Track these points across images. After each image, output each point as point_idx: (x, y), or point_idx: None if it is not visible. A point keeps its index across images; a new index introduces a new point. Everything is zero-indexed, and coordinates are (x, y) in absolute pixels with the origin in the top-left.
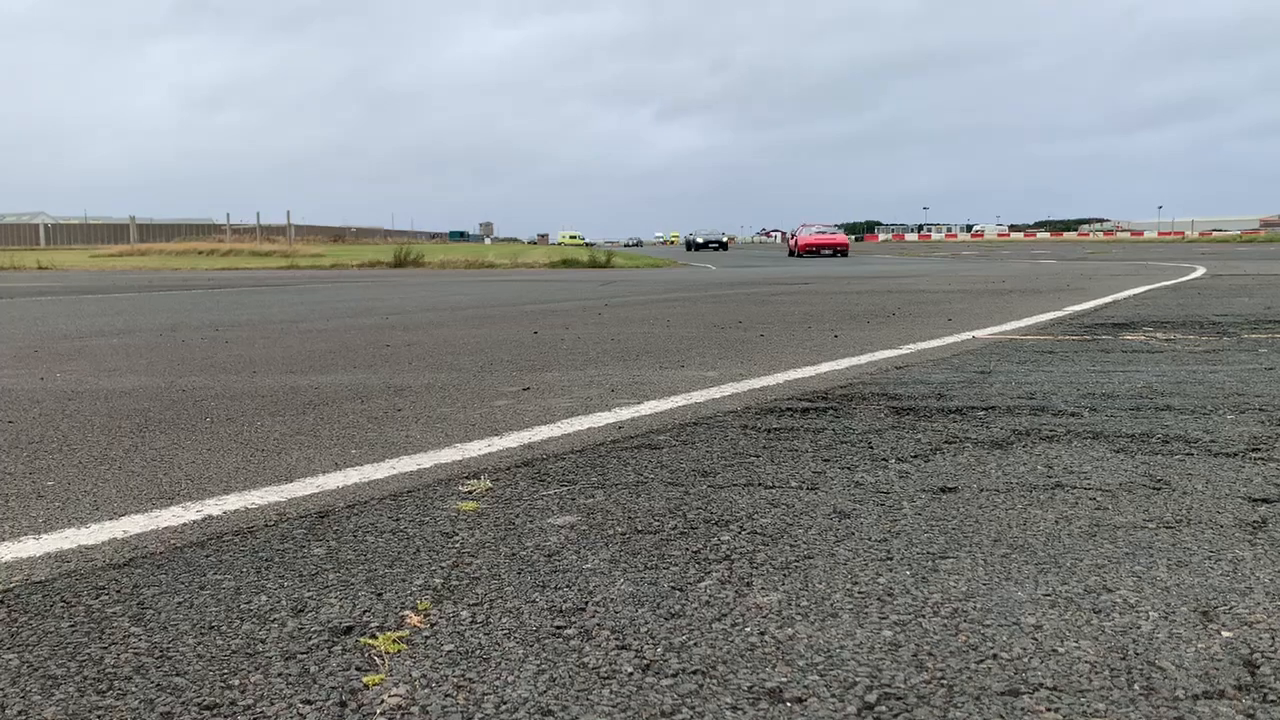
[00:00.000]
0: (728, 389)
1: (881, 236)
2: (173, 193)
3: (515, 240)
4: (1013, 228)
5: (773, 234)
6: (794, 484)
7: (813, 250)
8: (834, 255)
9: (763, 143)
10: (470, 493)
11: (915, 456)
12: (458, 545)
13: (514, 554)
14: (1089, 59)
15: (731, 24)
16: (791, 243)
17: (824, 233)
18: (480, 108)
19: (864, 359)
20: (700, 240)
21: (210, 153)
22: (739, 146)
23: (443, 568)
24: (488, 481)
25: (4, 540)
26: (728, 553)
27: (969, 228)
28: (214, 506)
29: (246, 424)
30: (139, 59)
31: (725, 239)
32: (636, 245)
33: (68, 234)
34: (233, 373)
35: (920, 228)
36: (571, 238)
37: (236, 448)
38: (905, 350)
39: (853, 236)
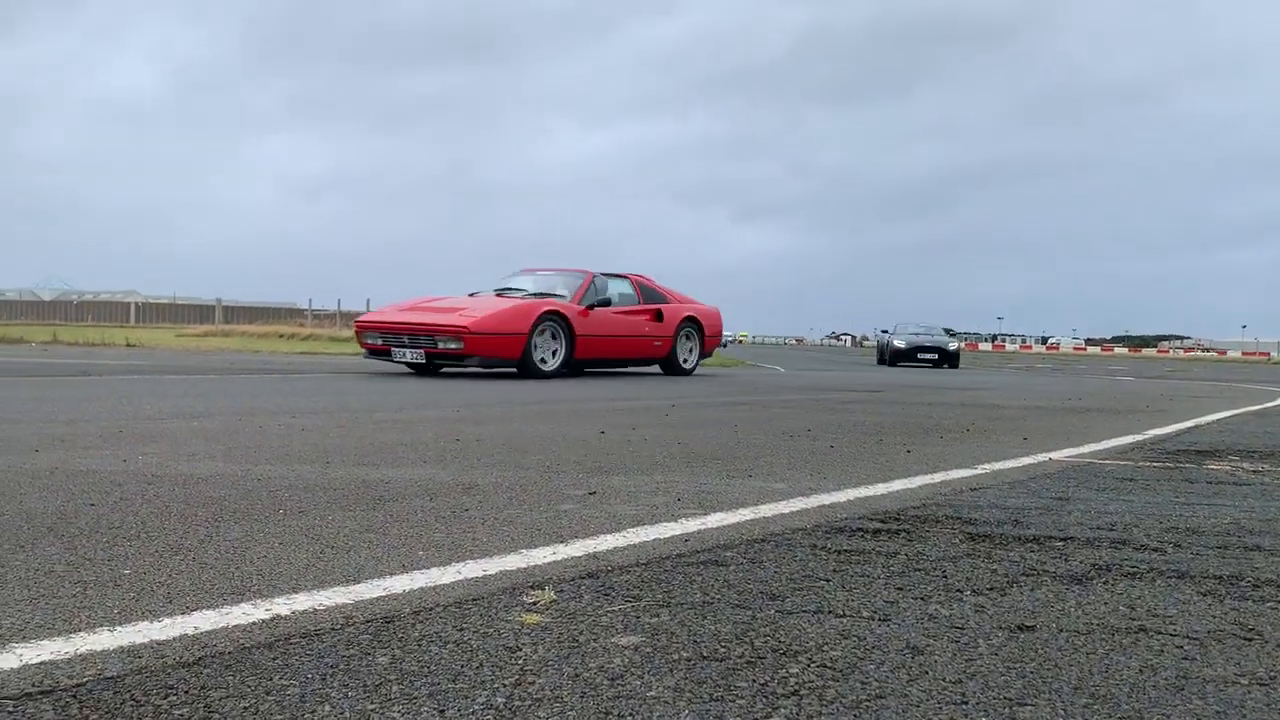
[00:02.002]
0: (796, 504)
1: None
2: (260, 277)
3: None
4: (1089, 341)
5: (843, 337)
6: (865, 614)
7: (910, 354)
8: (935, 363)
9: (837, 246)
10: (534, 604)
11: (991, 589)
12: (521, 662)
13: (577, 675)
14: (1172, 173)
15: (813, 132)
16: (884, 344)
17: (921, 335)
18: (562, 205)
19: (937, 478)
20: (905, 344)
21: (302, 241)
22: (813, 249)
23: (505, 685)
24: (552, 593)
25: (80, 630)
26: (796, 687)
27: (1044, 339)
28: (283, 605)
29: (318, 518)
30: (251, 151)
31: (953, 347)
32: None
33: (157, 313)
34: (307, 462)
35: (994, 337)
36: None
37: (307, 543)
38: (980, 470)
39: None
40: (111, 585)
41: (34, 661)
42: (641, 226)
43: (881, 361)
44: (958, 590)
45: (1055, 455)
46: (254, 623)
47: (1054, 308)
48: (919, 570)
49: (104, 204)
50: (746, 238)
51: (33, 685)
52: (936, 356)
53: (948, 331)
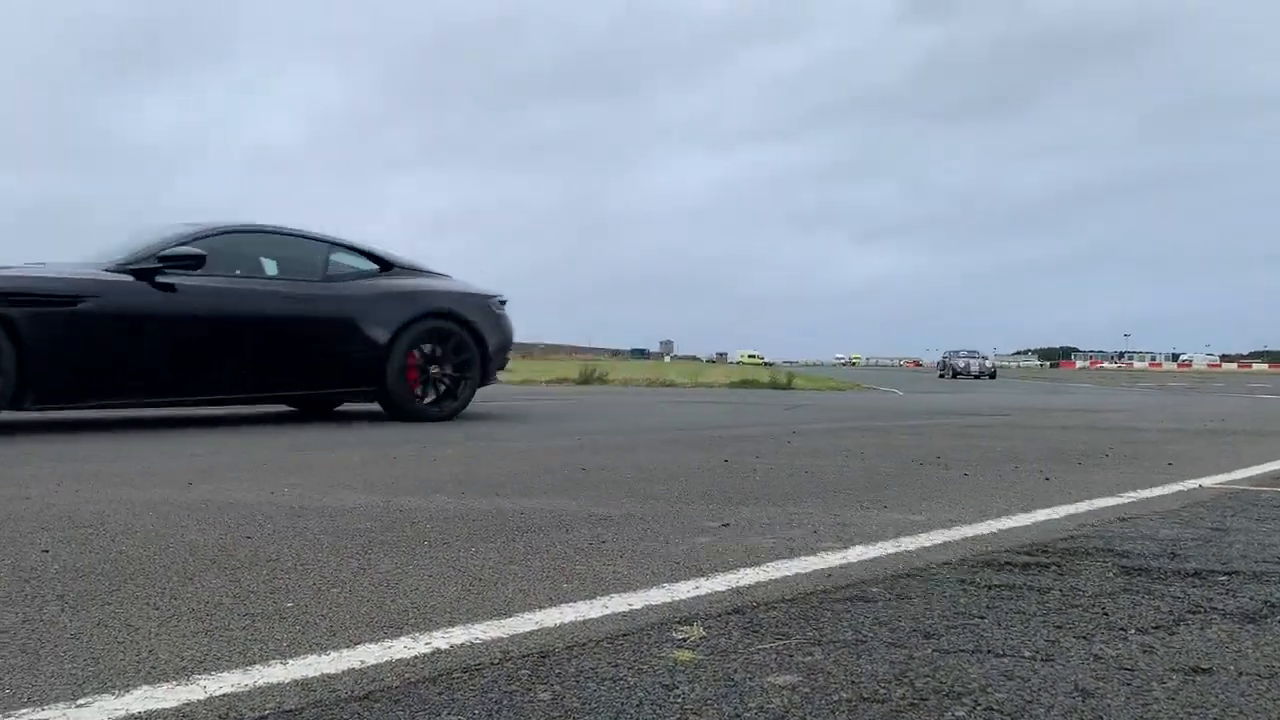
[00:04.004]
0: (938, 536)
1: (1078, 364)
2: None
3: (694, 358)
4: (1224, 358)
5: None
6: (1026, 653)
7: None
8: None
9: (956, 266)
10: (685, 640)
11: (1157, 628)
12: (680, 700)
13: (737, 714)
14: None
15: (934, 152)
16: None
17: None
18: (678, 232)
19: (1081, 507)
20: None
21: None
22: (931, 270)
23: None
24: (701, 629)
25: (255, 663)
26: None
27: (1175, 357)
28: (441, 639)
29: (461, 549)
30: (384, 189)
31: (992, 367)
32: (849, 365)
33: None
34: (443, 493)
35: (1121, 355)
36: (750, 357)
37: (455, 575)
38: (1126, 499)
39: (1047, 363)
40: (277, 618)
41: (217, 694)
42: (761, 251)
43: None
44: (1121, 629)
45: (1205, 482)
46: (416, 656)
47: (1185, 323)
48: (1076, 607)
49: None
50: (864, 260)
51: (218, 718)
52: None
53: (1037, 353)
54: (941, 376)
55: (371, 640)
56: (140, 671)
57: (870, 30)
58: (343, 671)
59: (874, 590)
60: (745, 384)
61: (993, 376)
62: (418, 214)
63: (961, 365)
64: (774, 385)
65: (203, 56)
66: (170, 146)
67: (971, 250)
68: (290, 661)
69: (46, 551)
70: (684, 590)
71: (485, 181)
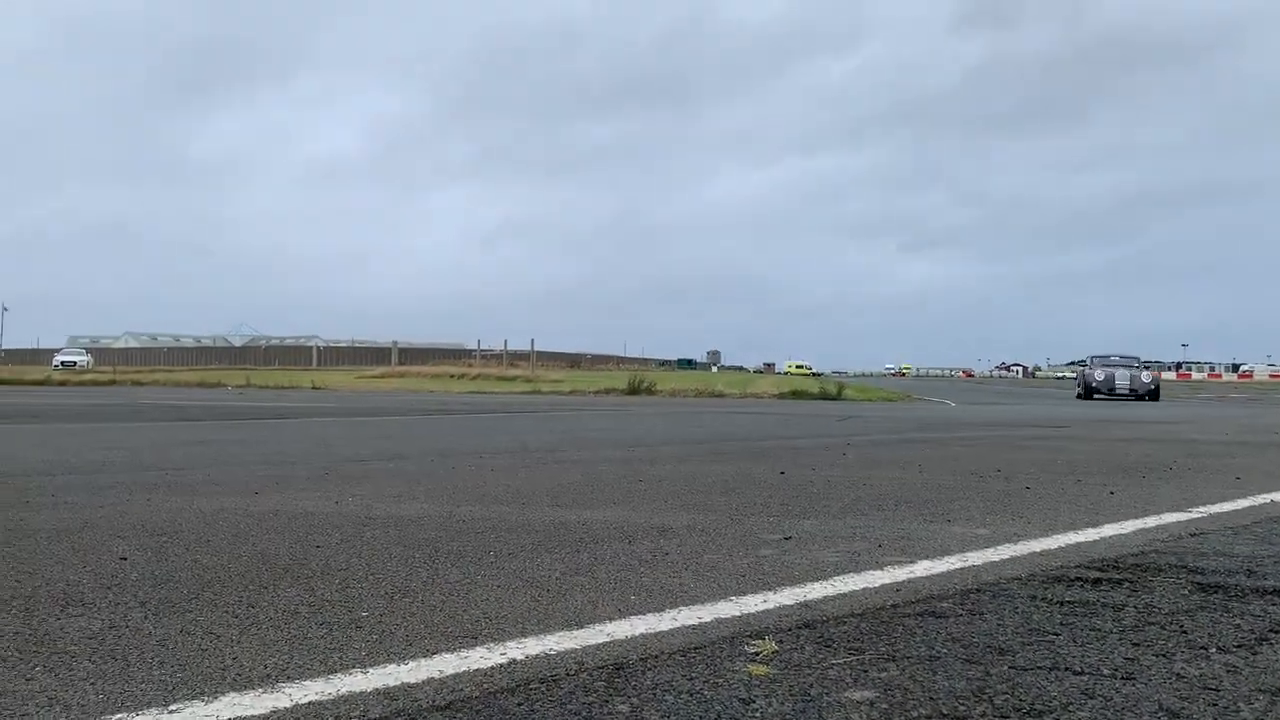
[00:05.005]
0: (1005, 550)
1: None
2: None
3: (741, 369)
4: None
5: (1013, 368)
6: (1105, 671)
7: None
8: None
9: (1008, 276)
10: (758, 654)
11: (1239, 646)
12: (758, 714)
13: None
14: None
15: (986, 160)
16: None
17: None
18: (725, 243)
19: (1149, 522)
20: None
21: (475, 285)
22: (981, 279)
23: None
24: (773, 643)
25: (336, 672)
26: None
27: (1235, 367)
28: (515, 649)
29: (527, 560)
30: (435, 203)
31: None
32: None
33: (336, 355)
34: (503, 503)
35: (1178, 366)
36: (798, 367)
37: (523, 586)
38: (1195, 514)
39: None
40: (354, 627)
41: (303, 701)
42: (809, 261)
43: (1089, 397)
44: (1201, 647)
45: (1277, 497)
46: (493, 666)
47: (1245, 333)
48: (1153, 624)
49: (296, 256)
50: (914, 269)
51: None
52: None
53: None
54: (1080, 397)
55: (448, 650)
56: (226, 678)
57: (923, 39)
58: (423, 681)
59: (945, 606)
60: (795, 395)
61: (1154, 397)
62: (468, 226)
63: (1101, 378)
64: (824, 396)
65: (264, 74)
66: (231, 162)
67: (1024, 259)
68: (371, 670)
69: (125, 559)
70: (752, 604)
71: (535, 193)
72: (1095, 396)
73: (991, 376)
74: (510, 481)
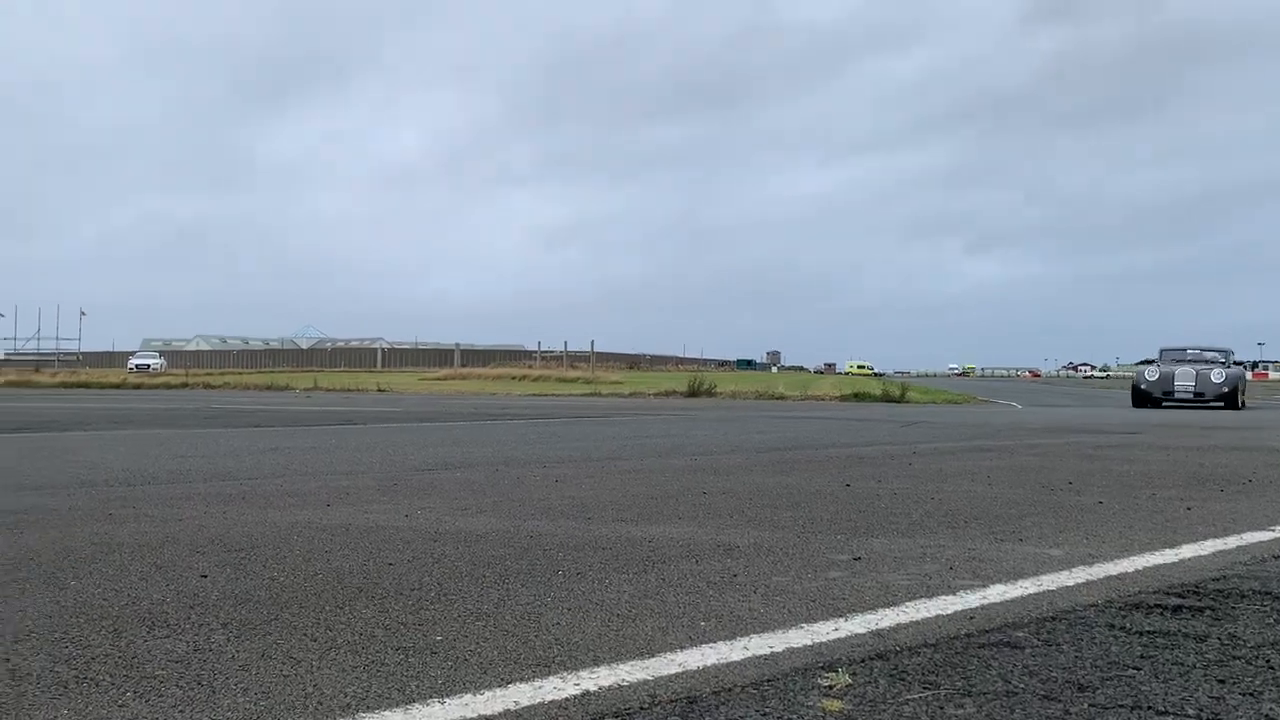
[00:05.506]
0: (1079, 574)
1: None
2: (496, 320)
3: (801, 369)
4: None
5: (1081, 367)
6: (1190, 711)
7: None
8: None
9: (1076, 274)
10: (831, 688)
11: None
12: None
13: None
14: None
15: (1056, 157)
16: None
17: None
18: (787, 242)
19: (1231, 542)
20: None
21: (537, 287)
22: (1049, 277)
23: None
24: (846, 676)
25: (415, 701)
26: None
27: None
28: (589, 680)
29: (596, 581)
30: (500, 206)
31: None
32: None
33: (400, 357)
34: (569, 517)
35: (1255, 365)
36: (860, 367)
37: (593, 610)
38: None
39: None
40: (429, 652)
41: None
42: (871, 260)
43: (1140, 404)
44: None
45: None
46: (567, 698)
47: None
48: (1238, 659)
49: (362, 259)
50: (980, 268)
51: None
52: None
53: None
54: (1141, 404)
55: (522, 679)
56: (309, 707)
57: (991, 35)
58: (499, 713)
59: (1020, 635)
60: (857, 397)
61: (1232, 403)
62: (533, 228)
63: (1153, 378)
64: (887, 398)
65: (333, 82)
66: (300, 168)
67: (1094, 257)
68: (448, 700)
69: (205, 576)
70: (824, 632)
71: (598, 195)
72: (1147, 404)
73: (1059, 376)
74: (574, 493)
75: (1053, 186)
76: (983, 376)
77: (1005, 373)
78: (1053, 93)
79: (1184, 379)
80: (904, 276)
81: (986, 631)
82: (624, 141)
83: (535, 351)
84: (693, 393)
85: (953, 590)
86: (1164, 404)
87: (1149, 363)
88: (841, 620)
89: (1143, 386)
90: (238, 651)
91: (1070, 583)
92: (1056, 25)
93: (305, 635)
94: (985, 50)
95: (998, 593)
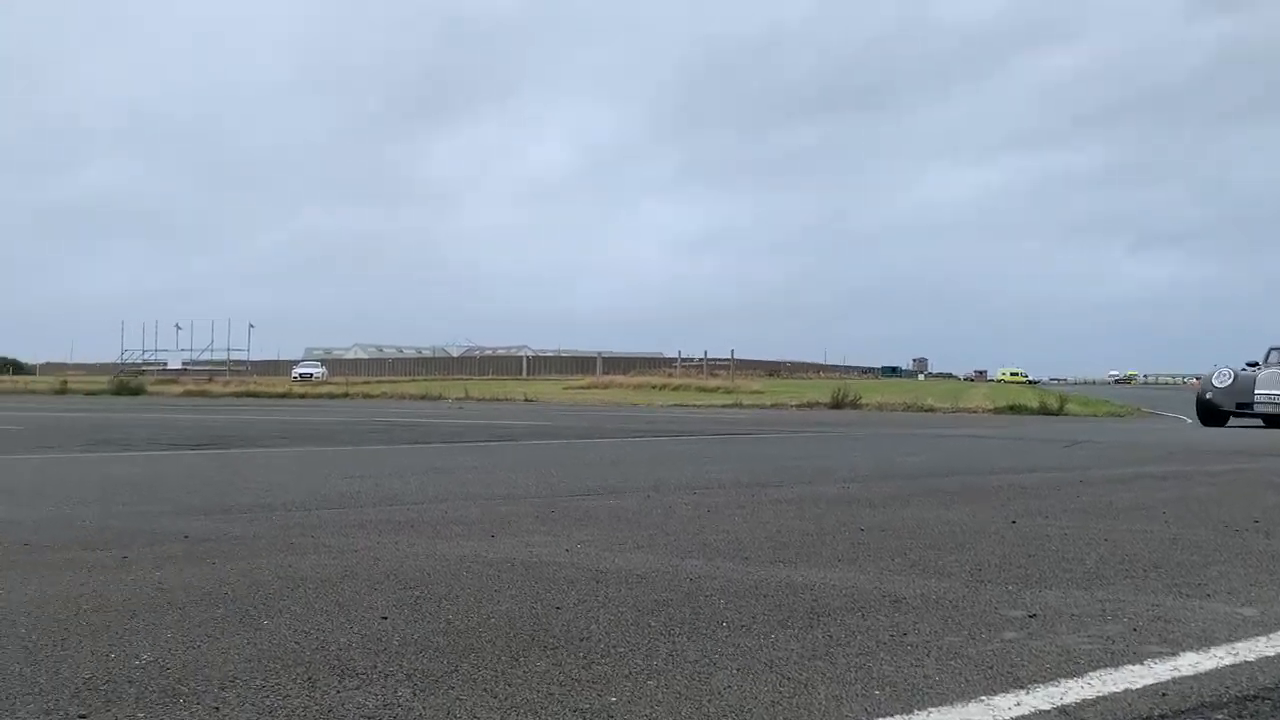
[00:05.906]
0: (1279, 640)
1: None
2: (636, 328)
3: (950, 376)
4: None
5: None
6: None
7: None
8: None
9: (1252, 272)
10: None
11: None
12: None
13: None
14: None
15: (1225, 152)
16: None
17: None
18: (935, 245)
19: None
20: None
21: (677, 295)
22: (1221, 277)
23: None
24: None
25: None
26: None
27: None
28: None
29: (761, 636)
30: (644, 215)
31: None
32: (1125, 383)
33: (544, 365)
34: (726, 557)
35: None
36: (1013, 374)
37: (763, 671)
38: None
39: None
40: (605, 715)
41: None
42: (1024, 263)
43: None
44: None
45: None
46: None
47: None
48: None
49: (510, 269)
50: (1144, 269)
51: None
52: None
53: None
54: (1209, 420)
55: None
56: None
57: (1153, 27)
58: None
59: (1220, 718)
60: (1012, 409)
61: None
62: (674, 235)
63: (1222, 385)
64: (1044, 410)
65: (485, 97)
66: (452, 181)
67: (1267, 255)
68: None
69: (385, 618)
70: (1005, 707)
71: (740, 201)
72: (1213, 421)
73: None
74: (728, 526)
75: (1225, 183)
76: (1145, 384)
77: (1170, 379)
78: (1220, 85)
79: (1268, 385)
80: (1061, 279)
81: (1180, 713)
82: (767, 147)
83: (675, 359)
84: (837, 404)
85: (1140, 659)
86: (1229, 422)
87: (1252, 365)
88: (1023, 693)
89: (1208, 396)
90: (424, 709)
91: (1270, 652)
92: (1222, 14)
93: (485, 691)
94: (1147, 43)
95: (1189, 663)
